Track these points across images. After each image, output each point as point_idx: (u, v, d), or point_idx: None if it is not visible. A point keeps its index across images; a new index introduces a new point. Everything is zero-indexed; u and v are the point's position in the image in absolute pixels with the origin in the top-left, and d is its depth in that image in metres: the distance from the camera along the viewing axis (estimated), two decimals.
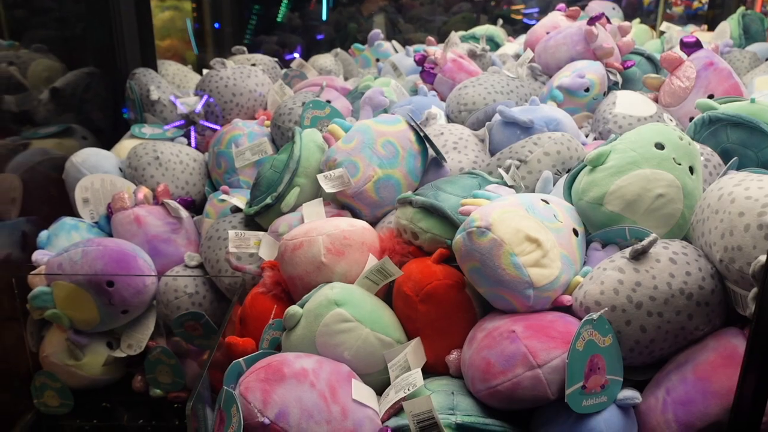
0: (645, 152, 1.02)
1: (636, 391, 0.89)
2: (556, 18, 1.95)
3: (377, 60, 2.40)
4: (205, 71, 1.84)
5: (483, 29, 2.59)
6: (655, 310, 0.88)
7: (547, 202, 1.03)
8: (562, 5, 2.00)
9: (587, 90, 1.62)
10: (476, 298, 1.02)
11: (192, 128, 1.73)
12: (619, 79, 1.69)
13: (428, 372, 1.01)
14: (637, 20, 2.78)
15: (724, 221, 0.88)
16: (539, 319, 0.92)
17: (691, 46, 1.56)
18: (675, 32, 2.67)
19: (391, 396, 0.94)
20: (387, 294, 1.09)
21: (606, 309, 0.89)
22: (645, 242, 0.90)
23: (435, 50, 1.89)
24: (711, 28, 2.72)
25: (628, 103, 1.51)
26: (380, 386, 0.99)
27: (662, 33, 2.69)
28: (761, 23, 2.59)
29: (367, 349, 0.99)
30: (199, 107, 1.71)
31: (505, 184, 1.16)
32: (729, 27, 2.53)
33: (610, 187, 1.01)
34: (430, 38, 2.04)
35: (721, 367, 0.85)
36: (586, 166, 1.06)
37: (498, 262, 0.92)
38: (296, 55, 2.31)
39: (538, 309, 0.94)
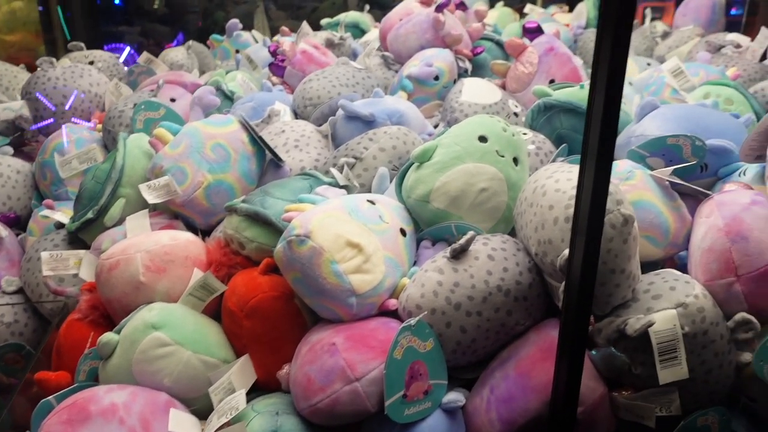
0: (468, 146, 1.00)
1: (461, 393, 0.88)
2: (410, 4, 1.92)
3: (237, 51, 2.29)
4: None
5: (346, 16, 2.53)
6: (474, 309, 0.86)
7: (374, 203, 0.99)
8: None
9: (437, 78, 1.60)
10: (305, 308, 0.97)
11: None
12: (468, 65, 1.68)
13: (261, 390, 0.96)
14: (501, 3, 2.81)
15: (537, 214, 0.87)
16: (361, 328, 0.88)
17: (533, 32, 1.58)
18: (537, 14, 2.72)
19: (214, 422, 0.88)
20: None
21: (425, 312, 0.86)
22: (462, 240, 0.89)
23: (287, 41, 1.82)
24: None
25: (474, 90, 1.51)
26: (210, 411, 0.93)
27: (524, 15, 2.74)
28: None
29: (190, 373, 0.92)
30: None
31: (338, 185, 1.12)
32: (585, 8, 2.60)
33: (435, 184, 0.99)
34: (284, 28, 1.97)
35: (540, 361, 0.85)
36: (413, 163, 1.03)
37: (318, 271, 0.87)
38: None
39: (364, 316, 0.91)
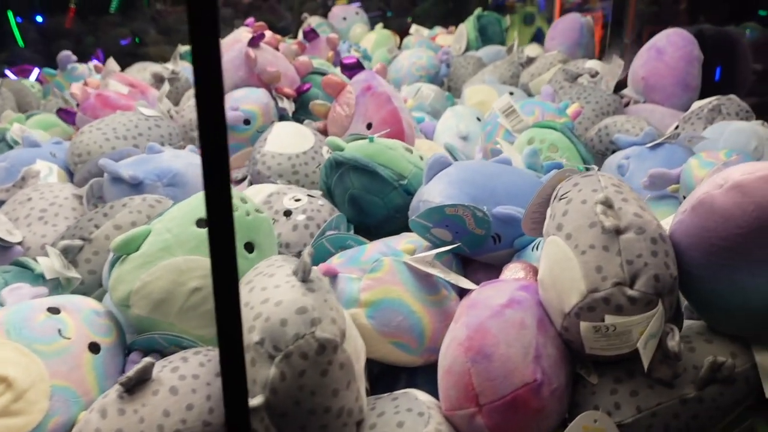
0: (181, 233, 0.80)
1: None
2: (240, 34, 1.71)
3: None
4: None
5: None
6: None
7: (58, 311, 0.78)
8: (250, 19, 1.77)
9: (248, 123, 1.40)
10: None
11: None
12: (289, 106, 1.48)
13: None
14: (380, 24, 2.64)
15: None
16: None
17: (351, 68, 1.39)
18: (415, 37, 2.55)
19: None
20: None
21: None
22: (132, 372, 0.68)
23: (95, 80, 1.59)
24: None
25: (281, 137, 1.31)
26: None
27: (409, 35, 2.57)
28: (498, 24, 2.53)
29: None
30: None
31: (48, 277, 0.90)
32: (466, 30, 2.44)
33: (135, 284, 0.78)
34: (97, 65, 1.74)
35: None
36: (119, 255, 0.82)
37: None
38: None
39: None
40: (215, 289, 0.50)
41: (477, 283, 0.98)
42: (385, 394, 0.73)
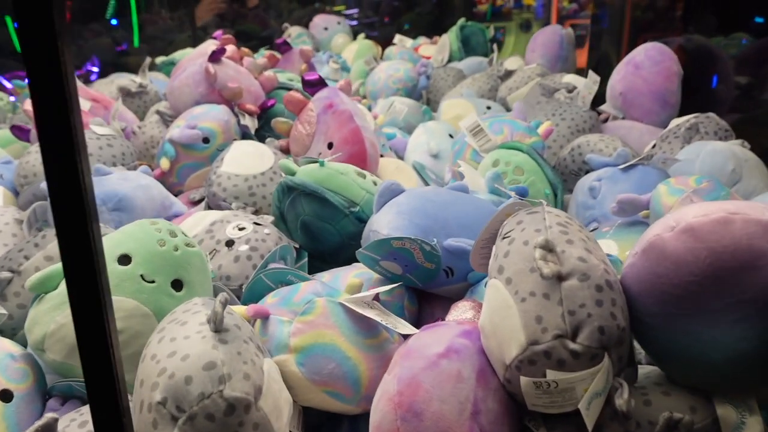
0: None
1: None
2: (207, 48, 1.66)
3: None
4: None
5: (183, 53, 2.26)
6: None
7: None
8: (219, 32, 1.72)
9: (207, 141, 1.34)
10: None
11: None
12: (252, 123, 1.43)
13: None
14: (362, 35, 2.58)
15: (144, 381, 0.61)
16: None
17: (313, 85, 1.33)
18: (397, 48, 2.50)
19: None
20: None
21: None
22: (32, 429, 0.62)
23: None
24: None
25: (239, 157, 1.25)
26: None
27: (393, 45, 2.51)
28: (482, 34, 2.48)
29: None
30: None
31: None
32: (448, 40, 2.39)
33: (50, 326, 0.73)
34: None
35: None
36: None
37: None
38: None
39: None
40: (79, 343, 0.45)
41: (434, 315, 0.93)
42: None
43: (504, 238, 0.69)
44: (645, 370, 0.72)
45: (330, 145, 1.25)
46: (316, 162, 1.03)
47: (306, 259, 1.05)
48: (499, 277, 0.66)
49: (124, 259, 0.75)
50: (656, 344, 0.66)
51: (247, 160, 1.24)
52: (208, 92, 1.41)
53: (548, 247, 0.61)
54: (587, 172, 1.28)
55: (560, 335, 0.59)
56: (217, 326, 0.60)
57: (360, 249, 0.86)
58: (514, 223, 0.70)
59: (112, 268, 0.74)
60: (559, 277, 0.61)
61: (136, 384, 0.61)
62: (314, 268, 1.04)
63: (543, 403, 0.62)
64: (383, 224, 0.89)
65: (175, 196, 1.27)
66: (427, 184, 1.33)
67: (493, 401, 0.65)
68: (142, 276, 0.75)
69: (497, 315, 0.64)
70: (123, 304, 0.73)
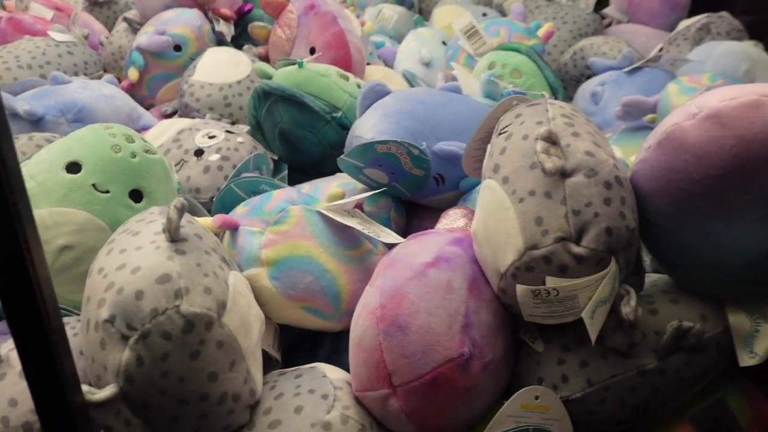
0: (48, 180, 0.67)
1: None
2: None
3: None
4: None
5: None
6: None
7: None
8: None
9: (178, 49, 1.24)
10: None
11: None
12: (227, 30, 1.31)
13: None
14: None
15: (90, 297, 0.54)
16: None
17: None
18: None
19: None
20: None
21: None
22: None
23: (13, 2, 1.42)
24: None
25: (213, 65, 1.16)
26: None
27: None
28: None
29: None
30: None
31: None
32: None
33: None
34: None
35: None
36: None
37: None
38: None
39: None
40: None
41: (423, 228, 0.86)
42: (290, 369, 0.61)
43: (501, 134, 0.61)
44: (651, 277, 0.66)
45: (312, 50, 1.15)
46: (294, 64, 0.93)
47: (285, 172, 0.97)
48: (494, 177, 0.58)
49: (74, 167, 0.67)
50: (668, 249, 0.59)
51: (222, 68, 1.14)
52: None
53: (551, 139, 0.53)
54: (589, 77, 1.19)
55: (563, 238, 0.52)
56: (173, 235, 0.53)
57: (342, 156, 0.78)
58: (513, 117, 0.61)
59: (60, 176, 0.67)
60: (563, 173, 0.53)
61: (84, 301, 0.54)
62: (295, 181, 0.96)
63: (541, 313, 0.56)
64: (367, 128, 0.80)
65: (147, 110, 1.17)
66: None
67: (486, 313, 0.58)
68: (94, 185, 0.67)
69: (492, 219, 0.57)
70: (72, 216, 0.65)
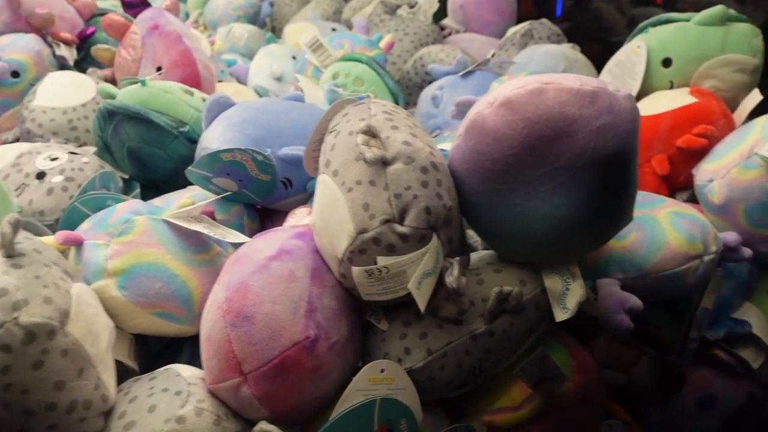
0: None
1: None
2: None
3: None
4: None
5: None
6: None
7: None
8: None
9: (17, 75, 1.19)
10: None
11: None
12: (69, 54, 1.29)
13: None
14: None
15: None
16: None
17: (134, 6, 1.22)
18: None
19: None
20: None
21: None
22: None
23: None
24: None
25: (55, 89, 1.12)
26: None
27: None
28: None
29: None
30: None
31: None
32: None
33: None
34: None
35: None
36: None
37: None
38: None
39: None
40: None
41: None
42: (145, 375, 0.62)
43: (331, 132, 0.66)
44: (480, 254, 0.73)
45: (159, 69, 1.16)
46: (137, 82, 0.94)
47: (138, 191, 0.97)
48: (326, 171, 0.63)
49: None
50: (484, 222, 0.67)
51: (64, 91, 1.12)
52: (13, 20, 1.25)
53: (371, 132, 0.59)
54: (431, 83, 1.28)
55: (388, 220, 0.58)
56: (8, 250, 0.53)
57: (189, 167, 0.80)
58: (341, 116, 0.67)
59: None
60: (384, 162, 0.59)
61: None
62: (148, 199, 0.96)
63: (377, 290, 0.61)
64: (213, 138, 0.83)
65: None
66: None
67: (329, 298, 0.63)
68: None
69: (327, 209, 0.62)
70: None
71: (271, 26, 1.99)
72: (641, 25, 1.05)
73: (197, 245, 0.69)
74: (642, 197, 0.81)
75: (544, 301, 0.68)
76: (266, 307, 0.58)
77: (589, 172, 0.59)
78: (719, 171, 0.84)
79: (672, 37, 1.00)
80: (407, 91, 1.34)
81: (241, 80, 1.47)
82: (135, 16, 1.22)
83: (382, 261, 0.59)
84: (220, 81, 1.38)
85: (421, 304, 0.59)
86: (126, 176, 0.99)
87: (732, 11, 1.00)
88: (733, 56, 0.96)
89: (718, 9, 0.97)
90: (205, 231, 0.67)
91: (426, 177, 0.59)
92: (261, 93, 1.30)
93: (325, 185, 0.63)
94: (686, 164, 0.91)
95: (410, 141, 0.61)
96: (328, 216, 0.61)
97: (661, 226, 0.76)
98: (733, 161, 0.83)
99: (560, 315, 0.66)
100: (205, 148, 0.83)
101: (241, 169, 0.80)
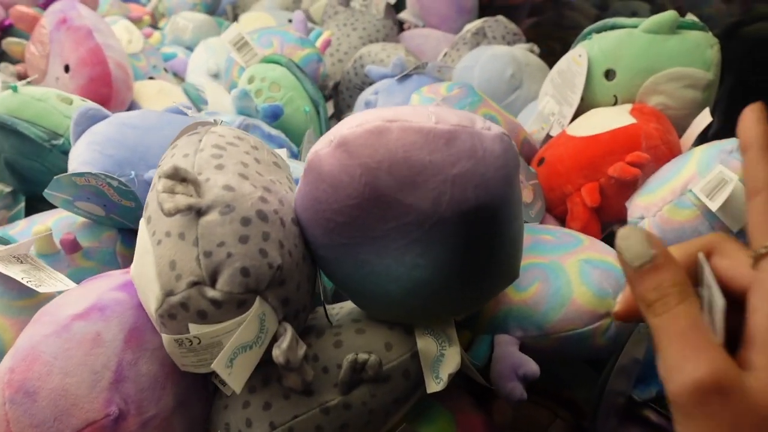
0: None
1: None
2: None
3: None
4: None
5: None
6: None
7: None
8: None
9: None
10: None
11: None
12: None
13: None
14: None
15: None
16: None
17: None
18: None
19: None
20: None
21: None
22: None
23: None
24: None
25: None
26: None
27: None
28: None
29: None
30: None
31: None
32: None
33: None
34: None
35: None
36: None
37: None
38: None
39: None
40: None
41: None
42: None
43: (160, 167, 0.57)
44: (350, 308, 0.64)
45: (67, 68, 1.07)
46: (9, 89, 0.85)
47: (23, 203, 0.89)
48: (144, 216, 0.54)
49: None
50: (336, 279, 0.57)
51: None
52: None
53: (178, 176, 0.49)
54: (372, 84, 1.18)
55: (196, 282, 0.48)
56: None
57: (46, 190, 0.71)
58: (171, 148, 0.57)
59: None
60: (198, 212, 0.49)
61: None
62: (35, 211, 0.88)
63: (192, 362, 0.52)
64: (73, 158, 0.74)
65: None
66: (197, 108, 1.17)
67: (149, 363, 0.54)
68: None
69: (139, 263, 0.53)
70: None
71: (234, 15, 1.89)
72: (585, 30, 0.93)
73: (19, 289, 0.61)
74: (557, 238, 0.71)
75: (415, 366, 0.59)
76: (55, 379, 0.49)
77: (446, 228, 0.49)
78: (650, 208, 0.74)
79: (615, 46, 0.88)
80: (347, 93, 1.23)
81: (180, 75, 1.37)
82: (45, 8, 1.12)
83: (194, 330, 0.49)
84: (151, 78, 1.29)
85: (235, 385, 0.50)
86: (9, 189, 0.90)
87: (691, 17, 0.88)
88: (683, 70, 0.84)
89: (668, 15, 0.85)
90: (21, 276, 0.58)
91: (247, 230, 0.50)
92: (190, 92, 1.20)
93: (141, 232, 0.53)
94: (619, 195, 0.80)
95: (234, 185, 0.51)
96: (140, 270, 0.52)
97: (567, 278, 0.66)
98: (665, 198, 0.72)
99: (432, 386, 0.57)
100: (77, 167, 0.74)
101: (101, 194, 0.71)
